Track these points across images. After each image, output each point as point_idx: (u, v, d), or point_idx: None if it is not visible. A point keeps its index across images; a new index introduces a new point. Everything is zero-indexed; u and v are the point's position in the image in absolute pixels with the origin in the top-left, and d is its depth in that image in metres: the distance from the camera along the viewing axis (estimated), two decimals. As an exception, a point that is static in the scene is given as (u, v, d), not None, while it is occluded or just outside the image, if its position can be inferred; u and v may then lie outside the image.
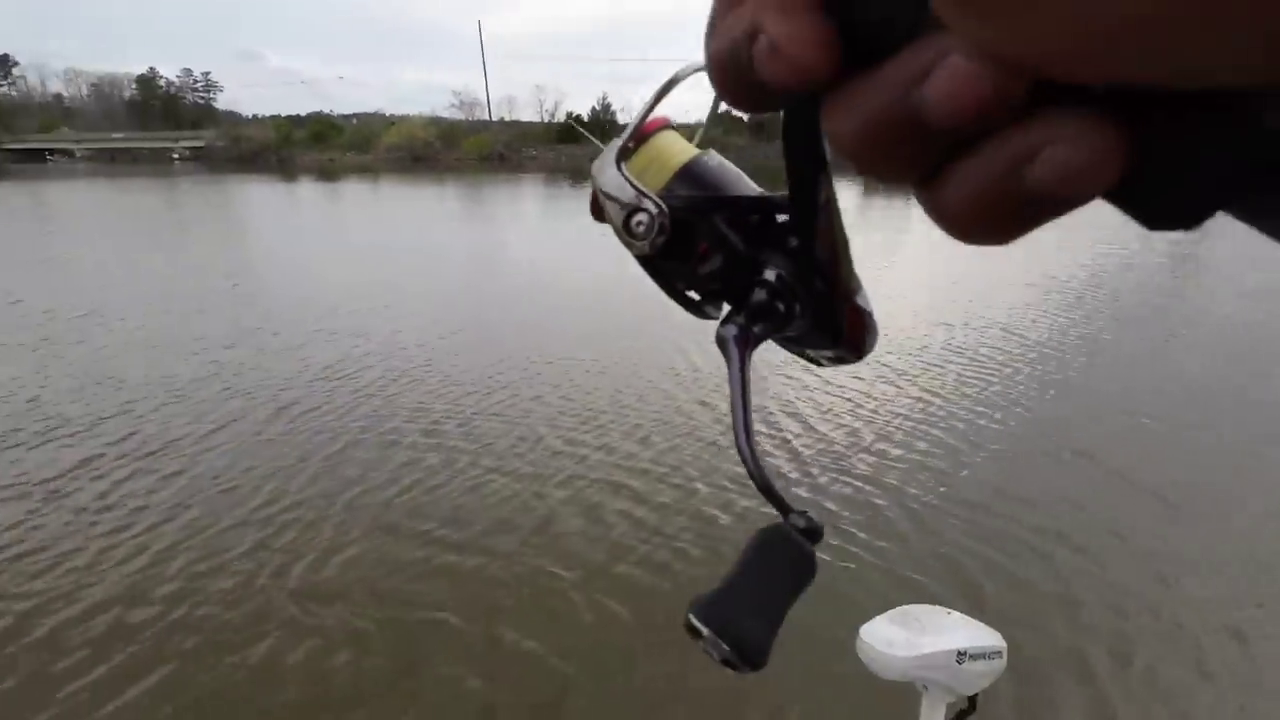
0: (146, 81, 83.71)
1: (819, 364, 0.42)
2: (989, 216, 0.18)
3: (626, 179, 0.35)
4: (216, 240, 14.65)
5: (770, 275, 0.35)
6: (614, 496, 3.81)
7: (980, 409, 5.07)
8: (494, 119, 65.32)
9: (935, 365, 6.01)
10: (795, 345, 0.39)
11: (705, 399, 5.10)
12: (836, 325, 0.37)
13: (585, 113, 62.46)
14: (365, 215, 20.91)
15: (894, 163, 0.18)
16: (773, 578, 0.31)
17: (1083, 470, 4.22)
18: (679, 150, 0.38)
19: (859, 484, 3.97)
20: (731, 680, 2.58)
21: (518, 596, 3.00)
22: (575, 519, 3.59)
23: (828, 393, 5.23)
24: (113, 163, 62.25)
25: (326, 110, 72.54)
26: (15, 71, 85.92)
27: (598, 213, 0.37)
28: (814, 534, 0.32)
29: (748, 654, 0.30)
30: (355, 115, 75.57)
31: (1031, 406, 5.17)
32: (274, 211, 22.24)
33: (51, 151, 66.69)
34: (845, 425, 4.72)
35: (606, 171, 0.36)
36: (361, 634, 2.77)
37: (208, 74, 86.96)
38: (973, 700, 1.50)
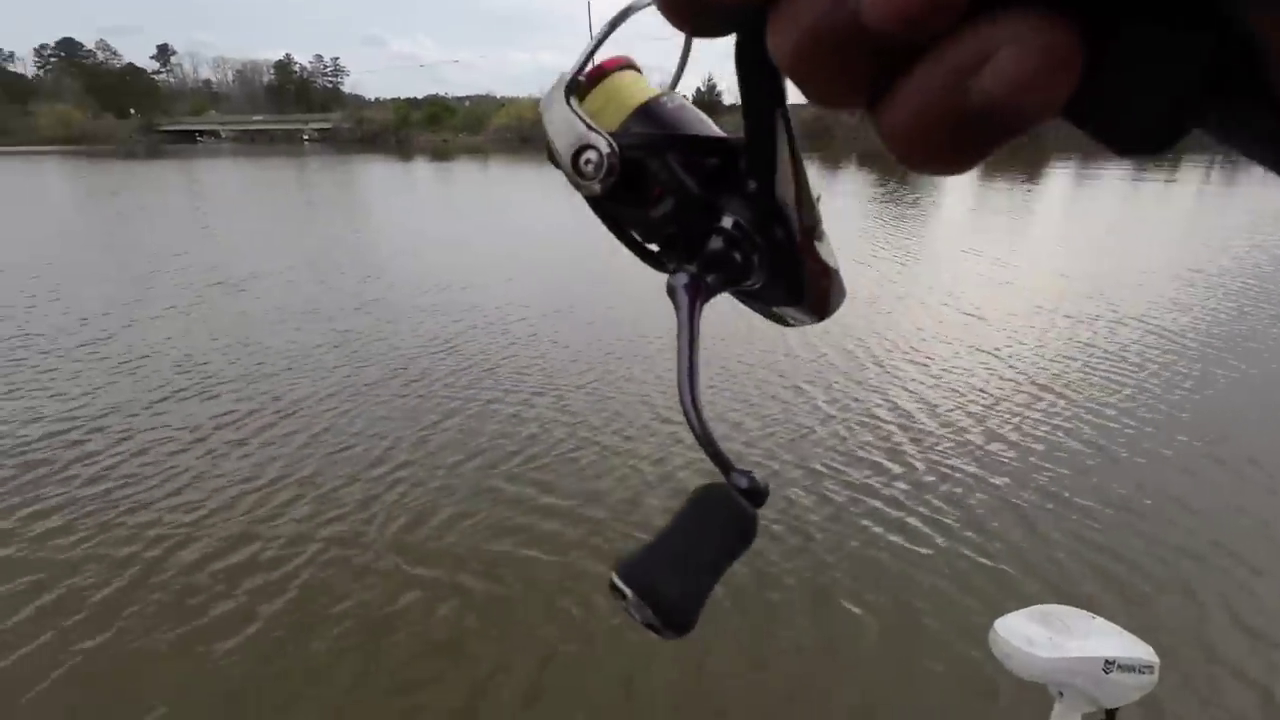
0: (283, 67, 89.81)
1: (786, 323, 0.40)
2: (935, 137, 0.16)
3: (576, 114, 0.32)
4: (343, 217, 15.59)
5: (727, 222, 0.33)
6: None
7: (1134, 409, 4.66)
8: (600, 100, 65.89)
9: (1076, 359, 5.60)
10: (756, 301, 0.37)
11: (822, 388, 4.99)
12: (798, 279, 0.34)
13: (690, 93, 61.75)
14: (477, 194, 21.60)
15: (837, 80, 0.17)
16: (707, 539, 0.29)
17: (1255, 480, 3.81)
18: (638, 90, 0.36)
19: (1000, 481, 3.73)
20: (850, 660, 2.55)
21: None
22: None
23: (966, 389, 4.97)
24: (252, 143, 67.51)
25: (441, 93, 75.41)
26: (173, 60, 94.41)
27: (552, 154, 0.34)
28: (756, 495, 0.29)
29: (672, 619, 0.27)
30: (468, 98, 78.17)
31: (1190, 409, 4.72)
32: (394, 190, 23.38)
33: (201, 133, 73.15)
34: (985, 423, 4.47)
35: (554, 107, 0.33)
36: (516, 567, 2.92)
37: (336, 59, 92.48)
38: (1111, 715, 1.41)
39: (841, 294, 0.37)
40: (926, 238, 12.42)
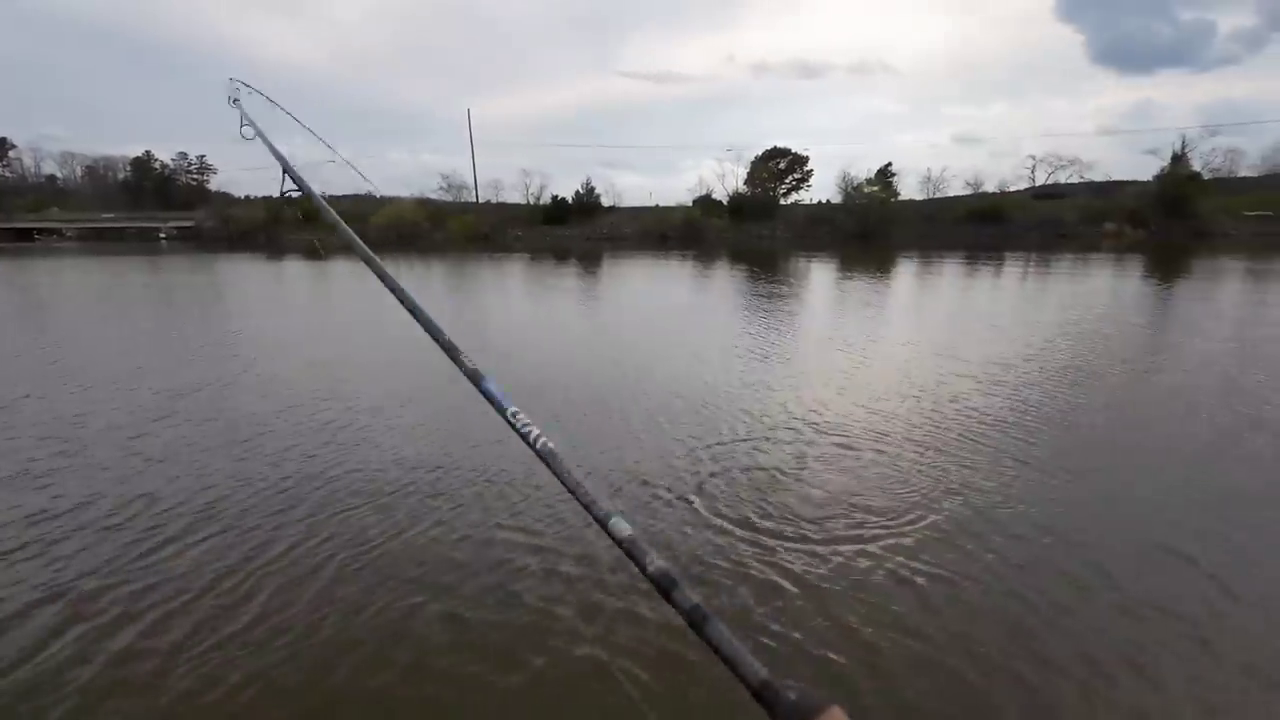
0: (140, 164, 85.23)
1: None
2: None
3: None
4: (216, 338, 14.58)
5: None
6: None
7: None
8: (480, 200, 66.94)
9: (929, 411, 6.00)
10: None
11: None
12: None
13: (569, 195, 64.36)
14: (359, 299, 20.96)
15: None
16: None
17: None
18: None
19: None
20: None
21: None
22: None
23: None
24: (100, 240, 62.81)
25: (320, 191, 73.64)
26: (11, 154, 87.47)
27: None
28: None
29: None
30: (347, 196, 77.07)
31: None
32: (257, 296, 22.27)
33: (39, 231, 67.22)
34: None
35: None
36: None
37: (202, 157, 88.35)
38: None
39: None
40: (800, 321, 13.28)
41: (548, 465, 0.91)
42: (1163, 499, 4.86)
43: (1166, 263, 28.08)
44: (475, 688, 2.97)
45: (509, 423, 0.99)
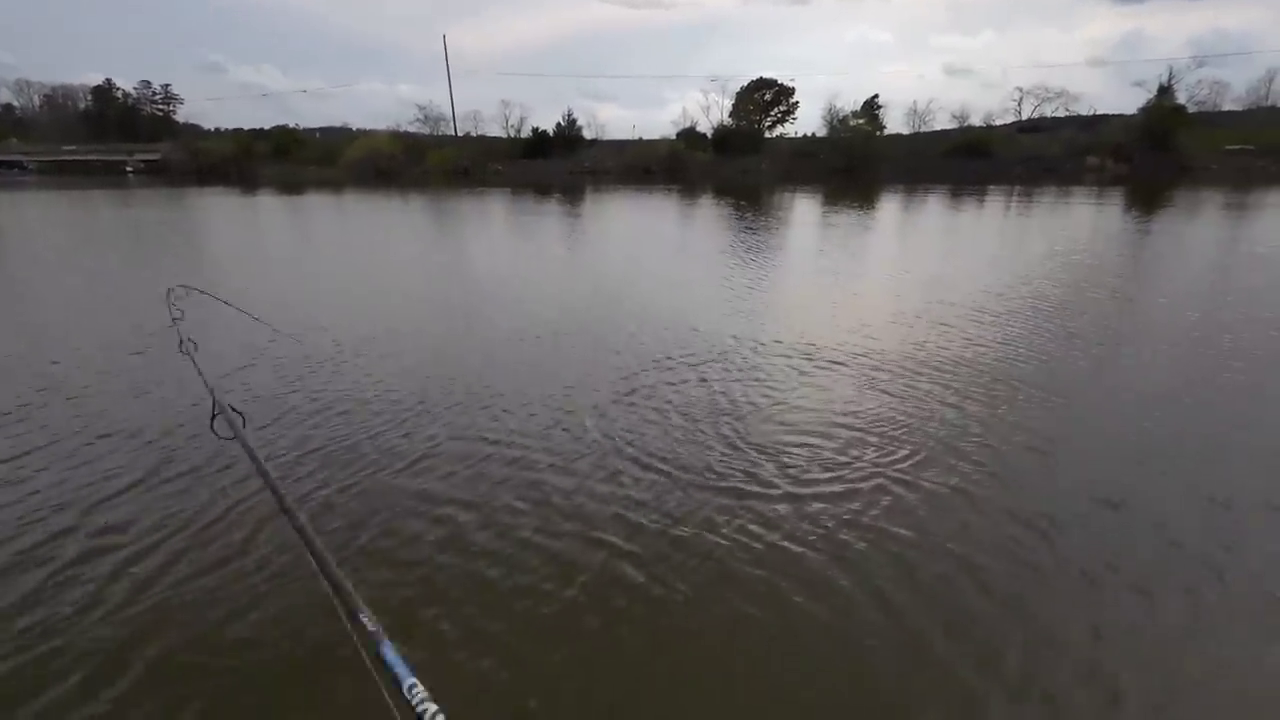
0: (102, 93, 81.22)
1: None
2: None
3: None
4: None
5: None
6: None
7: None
8: (459, 133, 64.84)
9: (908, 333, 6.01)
10: None
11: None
12: None
13: (550, 127, 62.60)
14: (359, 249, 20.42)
15: None
16: None
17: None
18: None
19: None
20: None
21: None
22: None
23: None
24: (64, 174, 60.43)
25: (291, 124, 70.89)
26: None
27: None
28: None
29: None
30: (320, 129, 74.43)
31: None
32: (237, 232, 21.65)
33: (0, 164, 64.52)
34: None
35: None
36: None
37: (167, 86, 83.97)
38: None
39: None
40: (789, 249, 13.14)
41: None
42: (1152, 423, 4.89)
43: (1148, 197, 27.99)
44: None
45: (405, 698, 0.90)
